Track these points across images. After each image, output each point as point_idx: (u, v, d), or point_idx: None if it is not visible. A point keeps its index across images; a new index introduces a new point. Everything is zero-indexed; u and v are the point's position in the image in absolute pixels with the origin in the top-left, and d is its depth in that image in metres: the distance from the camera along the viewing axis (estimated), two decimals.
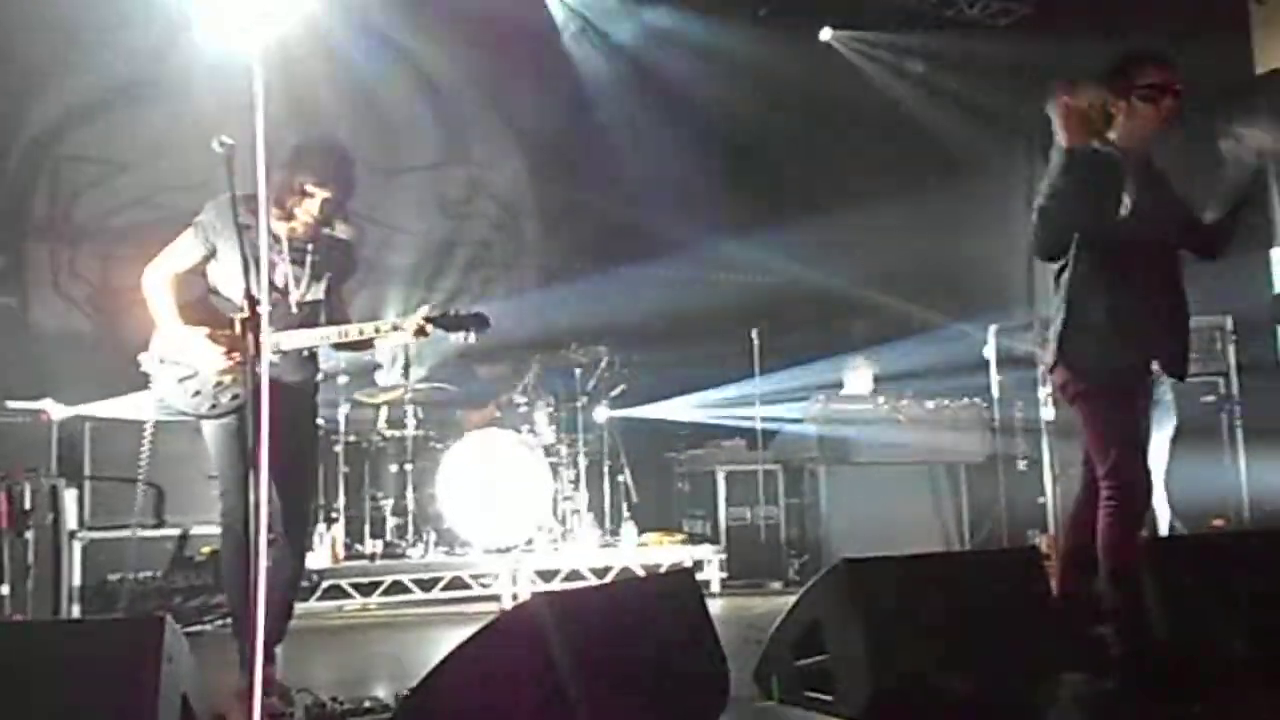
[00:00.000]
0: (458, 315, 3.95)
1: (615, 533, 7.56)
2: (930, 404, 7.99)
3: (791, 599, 3.67)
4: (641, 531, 7.57)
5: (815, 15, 9.15)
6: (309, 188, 3.86)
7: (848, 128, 9.30)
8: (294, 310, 3.94)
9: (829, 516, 7.51)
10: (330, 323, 3.99)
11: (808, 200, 8.96)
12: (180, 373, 3.81)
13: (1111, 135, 3.68)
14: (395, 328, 3.95)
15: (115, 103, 8.28)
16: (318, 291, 4.01)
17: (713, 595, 6.99)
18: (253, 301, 3.40)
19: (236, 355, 3.66)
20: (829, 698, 3.30)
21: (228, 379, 3.77)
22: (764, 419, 7.96)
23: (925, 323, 8.00)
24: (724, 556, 7.37)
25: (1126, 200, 3.55)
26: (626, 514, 7.66)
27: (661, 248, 8.65)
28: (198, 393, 3.78)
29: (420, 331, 3.92)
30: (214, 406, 3.75)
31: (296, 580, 4.10)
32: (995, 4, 8.75)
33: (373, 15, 8.27)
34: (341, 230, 4.06)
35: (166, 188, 8.22)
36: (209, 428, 3.79)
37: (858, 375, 8.21)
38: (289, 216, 3.91)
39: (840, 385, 8.22)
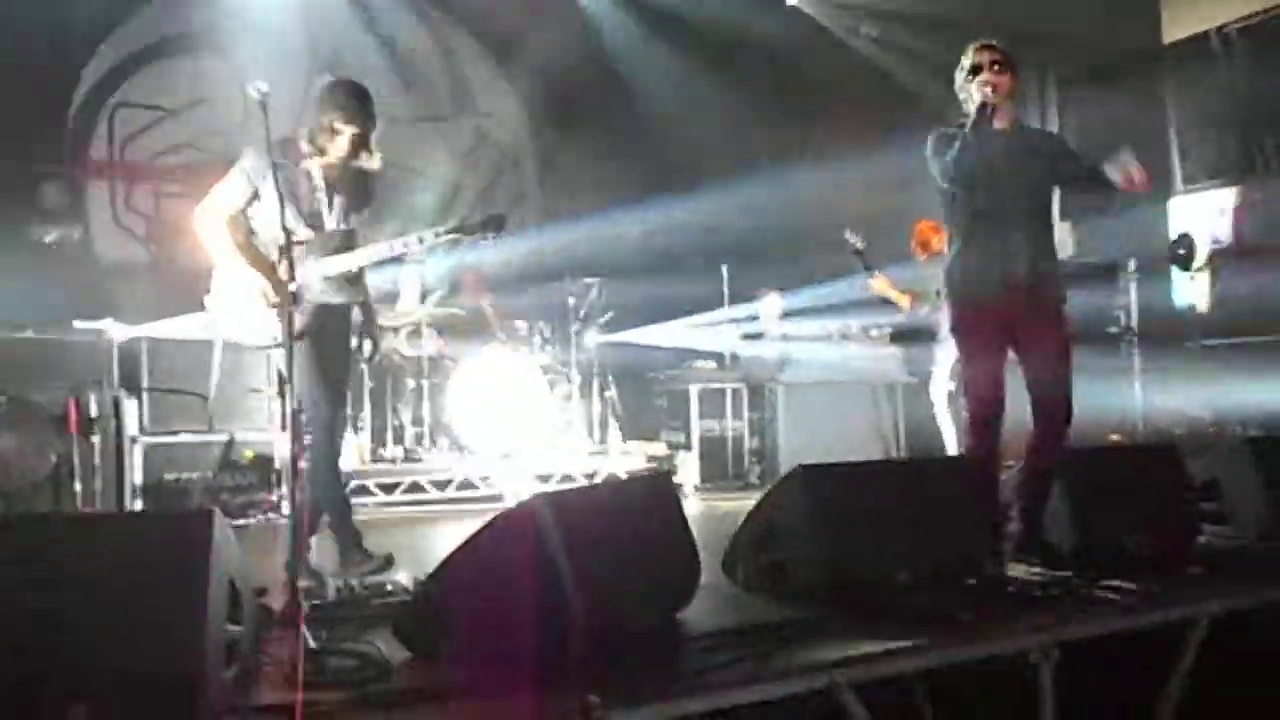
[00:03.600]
0: (478, 221, 3.92)
1: (603, 441, 7.57)
2: (875, 331, 7.99)
3: (754, 500, 3.68)
4: (625, 440, 7.59)
5: None
6: (338, 125, 3.78)
7: (817, 84, 9.15)
8: (331, 238, 3.88)
9: (785, 429, 7.53)
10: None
11: (781, 150, 8.83)
12: (241, 307, 3.74)
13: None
14: (421, 240, 3.90)
15: (162, 53, 8.10)
16: (353, 220, 3.96)
17: (687, 496, 7.02)
18: (288, 232, 3.36)
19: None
20: (786, 586, 3.32)
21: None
22: (731, 343, 7.97)
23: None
24: (697, 462, 7.41)
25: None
26: (613, 425, 7.66)
27: (647, 191, 8.56)
28: (261, 325, 3.71)
29: (451, 235, 3.90)
30: (276, 336, 3.67)
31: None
32: None
33: None
34: (367, 161, 3.98)
35: (210, 131, 8.08)
36: (278, 355, 3.74)
37: (767, 305, 8.19)
38: (322, 153, 3.84)
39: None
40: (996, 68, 3.74)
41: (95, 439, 5.28)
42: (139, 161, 8.11)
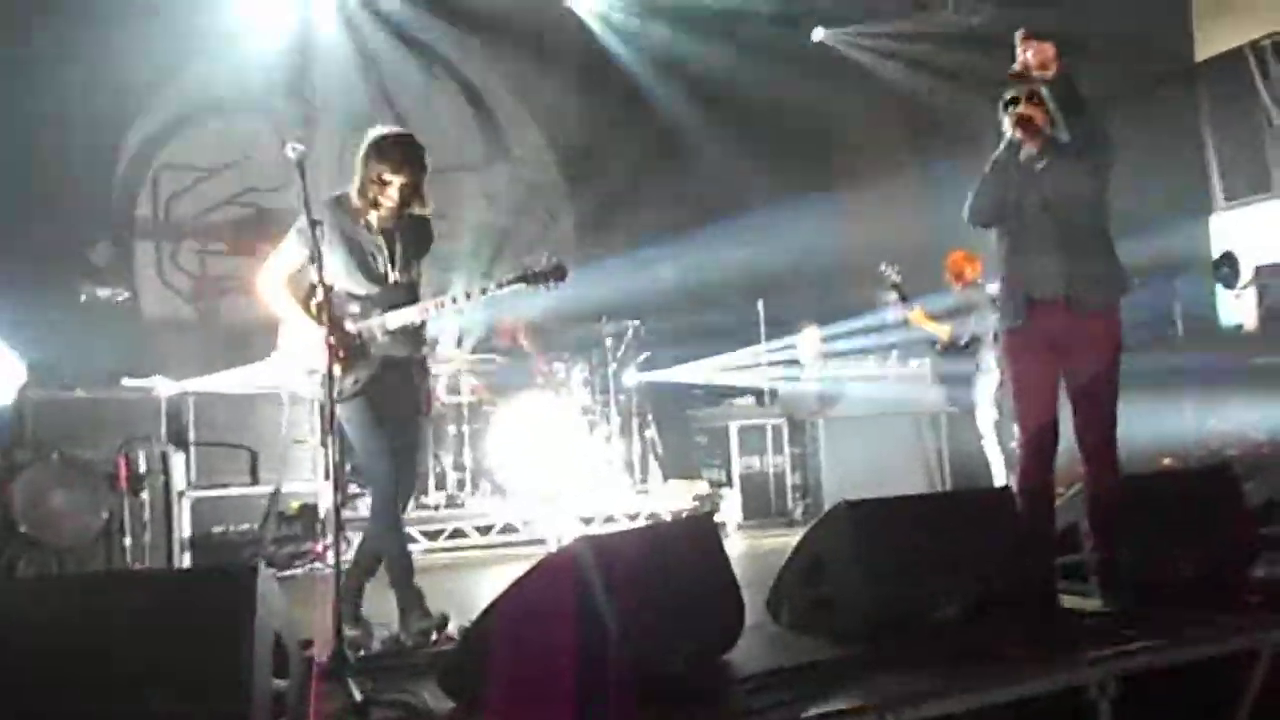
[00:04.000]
0: (540, 271, 3.89)
1: (644, 481, 7.55)
2: (914, 362, 7.94)
3: (798, 537, 3.65)
4: (666, 479, 7.56)
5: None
6: (386, 175, 3.78)
7: (849, 116, 9.17)
8: (395, 291, 3.87)
9: (827, 463, 7.46)
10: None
11: (815, 183, 8.83)
12: (307, 364, 3.76)
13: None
14: (485, 290, 3.88)
15: (204, 115, 8.29)
16: (415, 269, 3.95)
17: (729, 535, 6.97)
18: (327, 289, 3.41)
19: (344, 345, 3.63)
20: (832, 623, 3.28)
21: (348, 365, 3.70)
22: (770, 379, 7.94)
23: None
24: (739, 500, 7.36)
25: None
26: (654, 464, 7.65)
27: (681, 230, 8.59)
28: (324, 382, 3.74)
29: (516, 283, 3.86)
30: (340, 392, 3.64)
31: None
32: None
33: (418, 30, 8.23)
34: (420, 208, 3.96)
35: (251, 189, 8.26)
36: (341, 410, 3.69)
37: (806, 339, 8.16)
38: (374, 205, 3.86)
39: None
40: (1031, 100, 3.71)
41: (144, 494, 5.36)
42: (183, 221, 8.29)
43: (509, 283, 3.88)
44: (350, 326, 3.66)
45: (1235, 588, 3.67)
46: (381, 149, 3.82)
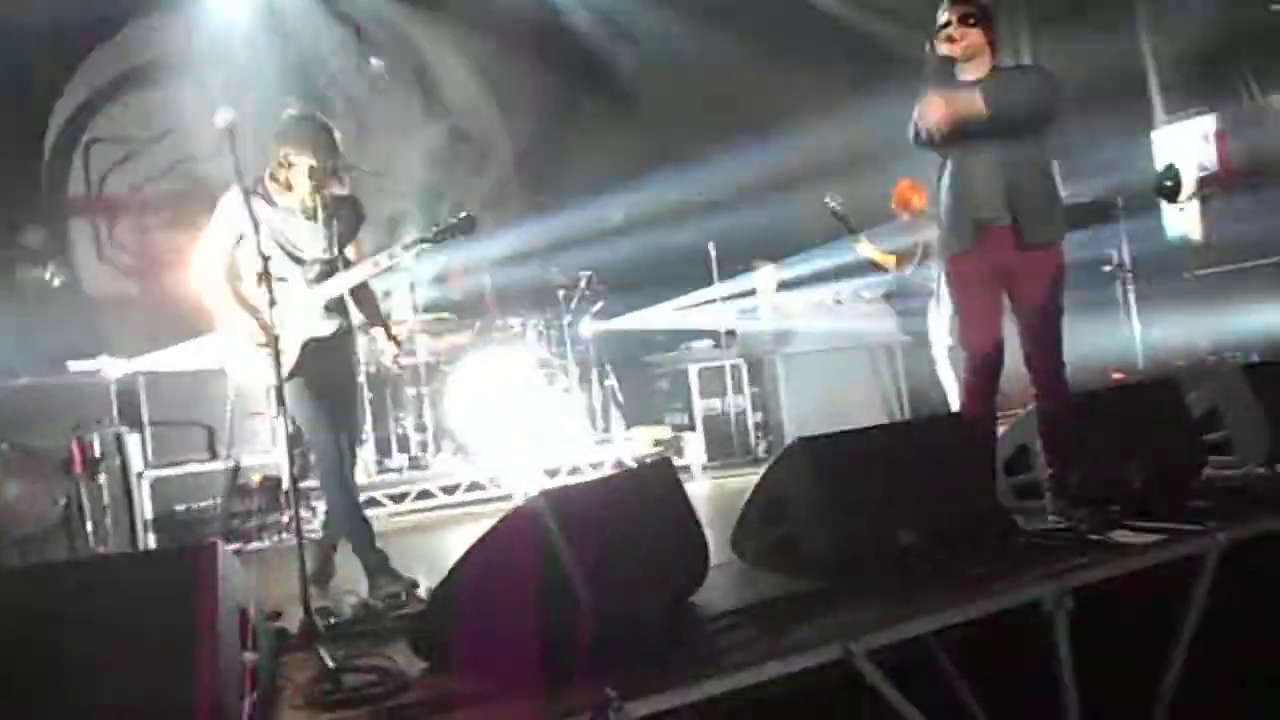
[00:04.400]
0: (449, 225, 4.00)
1: (607, 430, 7.59)
2: (868, 293, 8.00)
3: (760, 475, 3.70)
4: (629, 427, 7.60)
5: None
6: (291, 158, 3.80)
7: (792, 48, 9.10)
8: (310, 270, 3.89)
9: (787, 400, 7.54)
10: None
11: (759, 118, 8.79)
12: (242, 350, 3.84)
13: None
14: (392, 255, 3.94)
15: (132, 85, 8.08)
16: (331, 249, 3.96)
17: (694, 478, 7.04)
18: (265, 258, 3.37)
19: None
20: (796, 559, 3.34)
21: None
22: (726, 320, 7.98)
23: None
24: (702, 442, 7.43)
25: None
26: (615, 413, 7.68)
27: (628, 178, 8.54)
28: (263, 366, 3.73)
29: (424, 243, 3.95)
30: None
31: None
32: None
33: None
34: (338, 189, 4.00)
35: (186, 159, 8.08)
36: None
37: (762, 277, 8.20)
38: (288, 187, 3.85)
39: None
40: (964, 21, 3.72)
41: (102, 478, 5.31)
42: (118, 195, 8.10)
43: (416, 243, 3.92)
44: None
45: (1181, 496, 3.78)
46: (285, 131, 3.84)
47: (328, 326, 3.93)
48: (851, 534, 3.24)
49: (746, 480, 6.03)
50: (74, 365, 5.98)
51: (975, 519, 3.50)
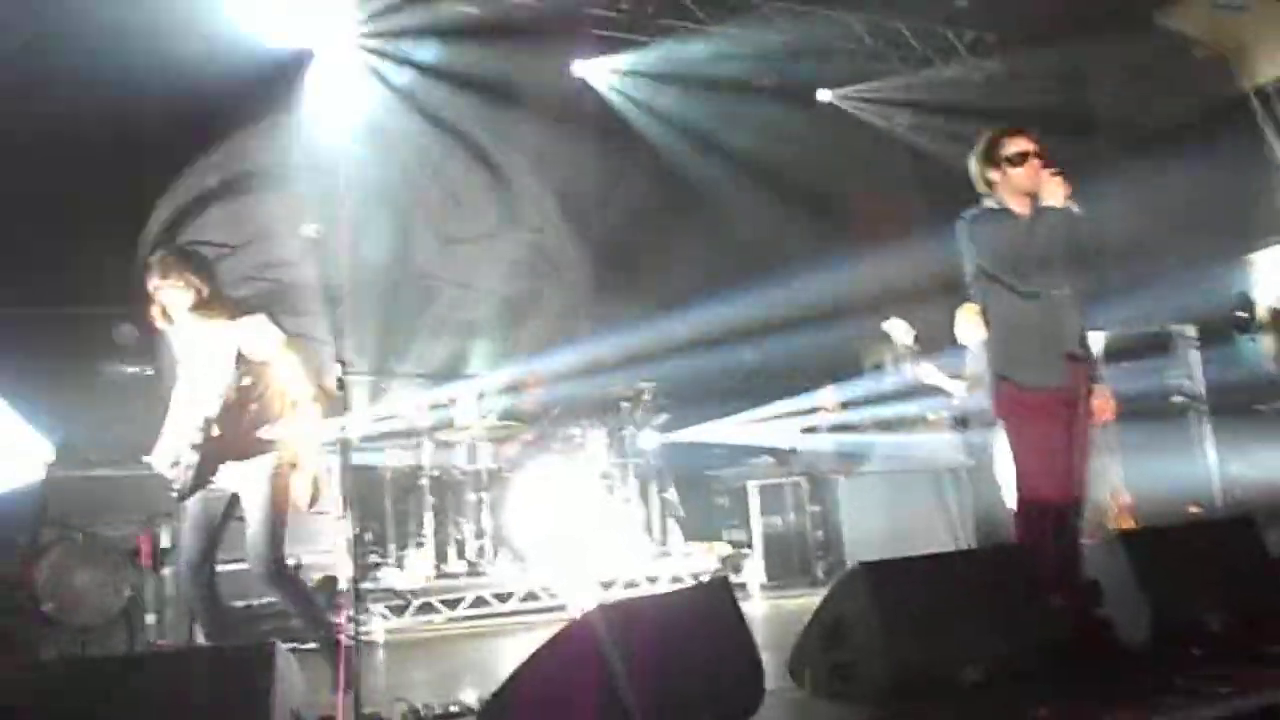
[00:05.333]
0: None
1: (664, 543, 7.52)
2: (931, 416, 7.91)
3: (821, 597, 3.63)
4: (687, 541, 7.52)
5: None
6: (150, 289, 3.95)
7: (858, 175, 9.27)
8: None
9: (849, 522, 7.41)
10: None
11: (826, 243, 8.89)
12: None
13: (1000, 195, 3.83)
14: None
15: (229, 191, 8.45)
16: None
17: (751, 596, 6.92)
18: (344, 364, 3.50)
19: None
20: (854, 688, 3.25)
21: None
22: (789, 437, 7.94)
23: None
24: (761, 561, 7.31)
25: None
26: (673, 526, 7.61)
27: (697, 293, 8.64)
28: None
29: None
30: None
31: None
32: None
33: (431, 102, 8.37)
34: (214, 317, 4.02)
35: (271, 265, 8.38)
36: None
37: (824, 398, 8.16)
38: (167, 319, 4.01)
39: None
40: (1040, 155, 3.75)
41: (166, 571, 5.38)
42: None
43: None
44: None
45: (1260, 639, 3.62)
46: (147, 268, 4.00)
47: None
48: (913, 664, 3.15)
49: (805, 602, 5.93)
50: (147, 459, 6.13)
51: (1041, 654, 3.38)
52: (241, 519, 4.08)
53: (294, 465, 3.99)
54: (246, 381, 3.95)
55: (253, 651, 2.44)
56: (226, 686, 2.37)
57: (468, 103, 8.37)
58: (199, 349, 4.03)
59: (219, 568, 5.71)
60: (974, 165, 3.91)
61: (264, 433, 3.97)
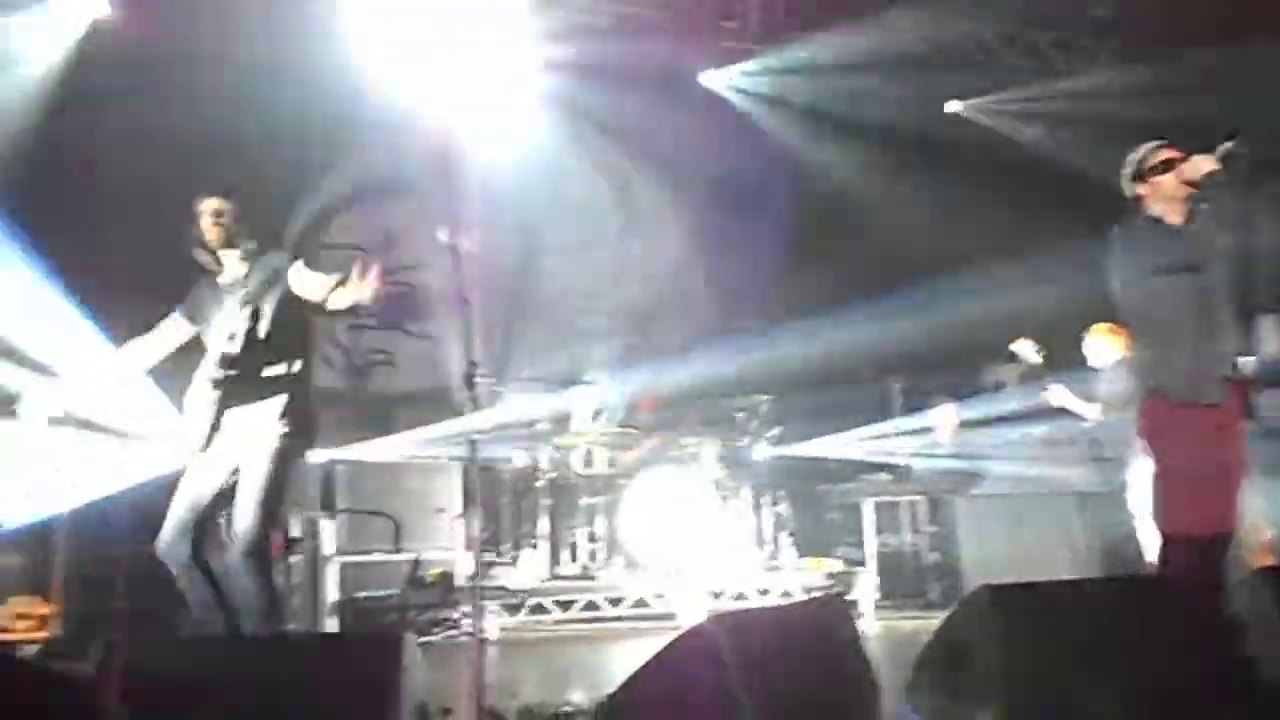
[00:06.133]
0: None
1: (776, 557, 7.44)
2: (1060, 438, 7.62)
3: (936, 619, 3.53)
4: (799, 556, 7.43)
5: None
6: (198, 207, 3.95)
7: (985, 188, 9.02)
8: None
9: (967, 543, 7.20)
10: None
11: (951, 258, 8.69)
12: None
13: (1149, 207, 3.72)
14: None
15: (365, 195, 8.75)
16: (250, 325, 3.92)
17: (863, 615, 6.79)
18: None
19: None
20: (975, 717, 3.14)
21: None
22: (905, 455, 7.77)
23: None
24: (875, 579, 7.17)
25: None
26: (786, 541, 7.53)
27: (816, 304, 8.55)
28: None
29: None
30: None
31: None
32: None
33: (560, 111, 8.47)
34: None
35: (402, 268, 8.64)
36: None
37: (942, 416, 7.93)
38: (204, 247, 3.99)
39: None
40: (1183, 162, 3.64)
41: (296, 559, 5.60)
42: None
43: None
44: None
45: None
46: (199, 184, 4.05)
47: None
48: (1037, 695, 3.03)
49: (919, 624, 5.80)
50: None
51: (1178, 694, 3.21)
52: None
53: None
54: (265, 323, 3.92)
55: (382, 641, 2.51)
56: (355, 674, 2.44)
57: (594, 110, 8.46)
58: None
59: (346, 559, 5.96)
60: (1122, 179, 3.80)
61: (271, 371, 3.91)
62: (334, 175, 8.53)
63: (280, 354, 3.92)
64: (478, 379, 3.77)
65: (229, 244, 4.00)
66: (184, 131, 6.93)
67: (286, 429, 3.86)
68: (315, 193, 8.51)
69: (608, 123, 8.59)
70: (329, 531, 5.92)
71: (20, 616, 5.03)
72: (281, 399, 3.88)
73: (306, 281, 3.94)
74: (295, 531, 5.64)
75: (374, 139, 8.00)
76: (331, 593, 5.81)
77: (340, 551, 5.95)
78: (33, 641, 5.04)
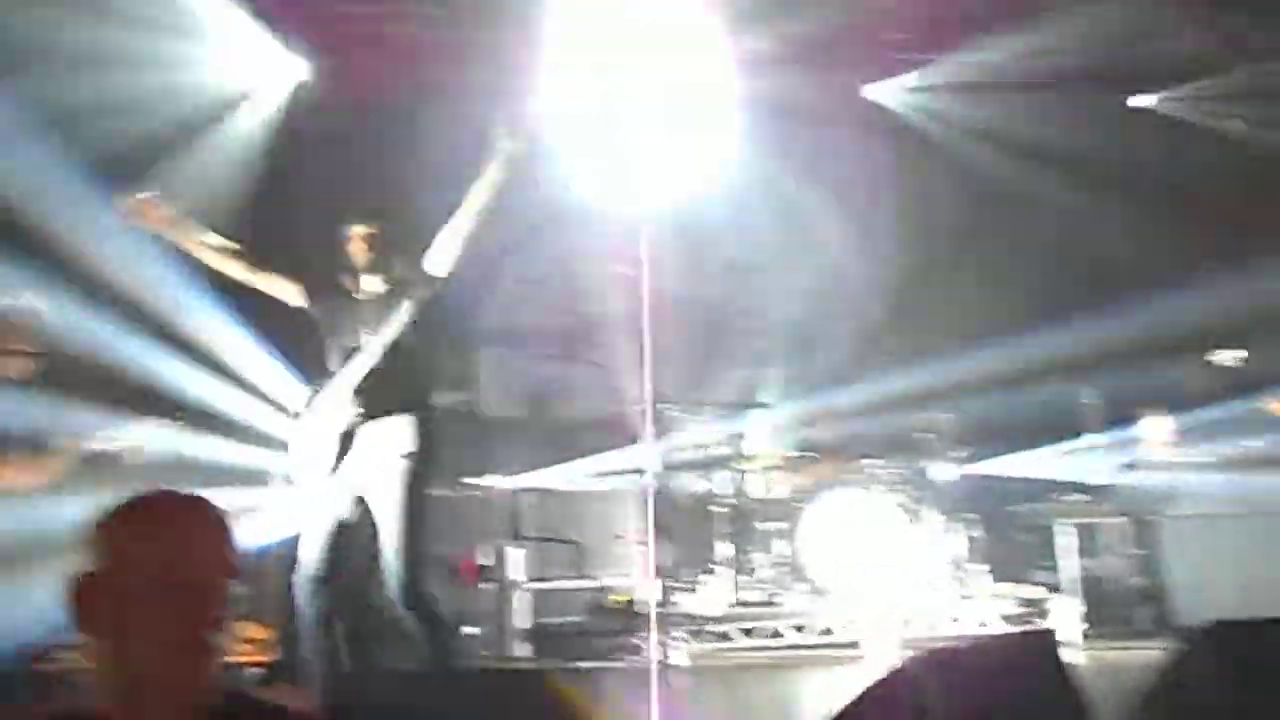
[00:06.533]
0: None
1: (967, 584, 7.12)
2: None
3: (1145, 649, 3.27)
4: (992, 582, 7.08)
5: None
6: (348, 231, 4.17)
7: (1183, 188, 8.44)
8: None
9: (1178, 569, 6.67)
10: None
11: (1152, 263, 8.15)
12: None
13: None
14: None
15: (540, 230, 8.99)
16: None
17: (1065, 644, 6.38)
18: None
19: None
20: None
21: None
22: (1107, 473, 7.29)
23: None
24: (1075, 606, 6.74)
25: None
26: (978, 566, 7.19)
27: (1001, 321, 8.18)
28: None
29: None
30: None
31: None
32: None
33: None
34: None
35: (580, 298, 8.81)
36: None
37: (1149, 429, 7.36)
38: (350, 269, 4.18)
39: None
40: None
41: (486, 587, 5.75)
42: (519, 328, 8.97)
43: None
44: None
45: None
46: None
47: None
48: None
49: (1126, 655, 5.41)
50: (467, 481, 6.60)
51: None
52: (372, 528, 3.97)
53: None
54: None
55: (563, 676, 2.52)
56: (545, 706, 2.44)
57: (765, 130, 8.36)
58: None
59: (537, 585, 6.07)
60: None
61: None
62: (506, 209, 8.77)
63: (410, 376, 4.05)
64: (654, 406, 3.79)
65: (374, 268, 4.16)
66: (375, 178, 7.33)
67: (414, 450, 3.95)
68: (495, 228, 8.77)
69: (779, 142, 8.50)
70: (516, 559, 6.05)
71: (244, 640, 5.34)
72: (411, 419, 3.99)
73: None
74: (484, 560, 5.79)
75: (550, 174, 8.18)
76: (520, 620, 5.92)
77: (527, 579, 6.07)
78: (255, 665, 5.34)
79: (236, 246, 4.27)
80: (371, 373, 3.99)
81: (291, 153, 7.44)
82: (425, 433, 4.05)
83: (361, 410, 3.96)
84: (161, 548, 1.41)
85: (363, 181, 7.24)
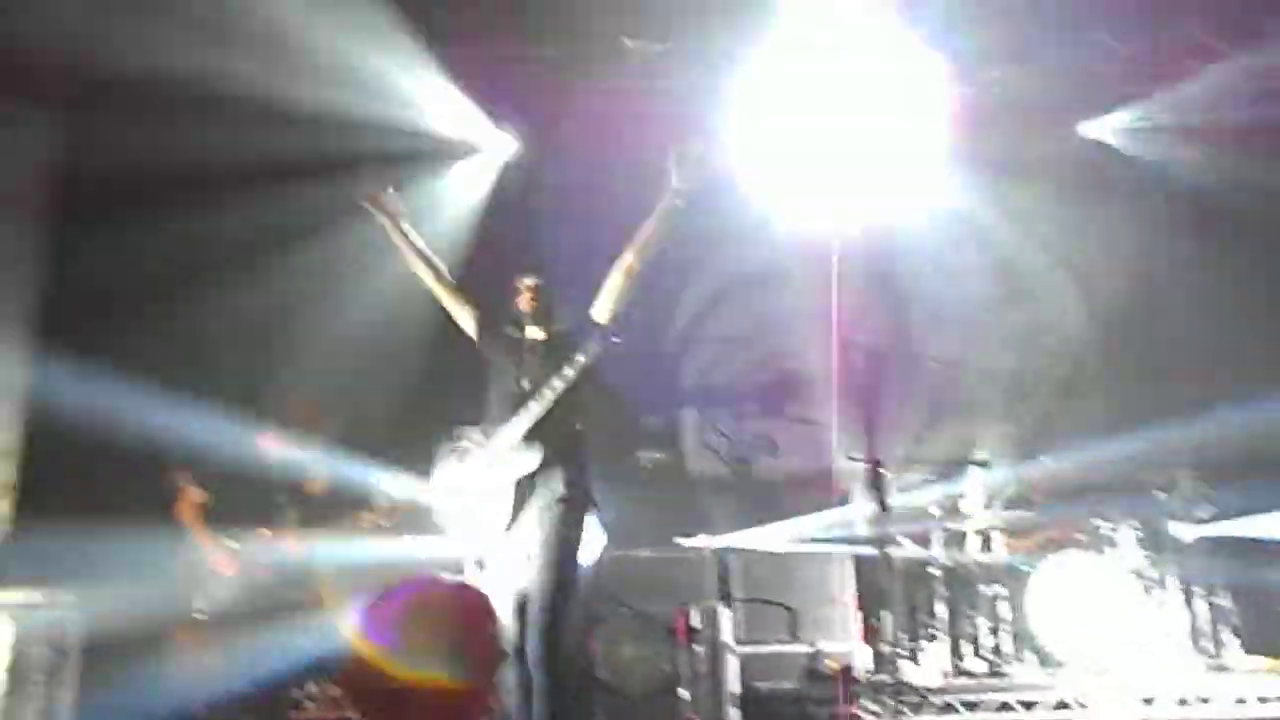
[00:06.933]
0: None
1: (1218, 655, 6.51)
2: None
3: None
4: (1247, 654, 6.44)
5: None
6: (518, 284, 4.35)
7: None
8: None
9: None
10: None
11: None
12: None
13: None
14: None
15: (733, 291, 9.03)
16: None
17: None
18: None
19: None
20: None
21: None
22: None
23: None
24: None
25: None
26: (1228, 635, 6.57)
27: (1226, 364, 7.55)
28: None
29: None
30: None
31: None
32: None
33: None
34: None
35: (775, 354, 8.77)
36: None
37: None
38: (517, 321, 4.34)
39: None
40: None
41: (698, 648, 5.73)
42: (719, 386, 9.02)
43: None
44: None
45: None
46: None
47: None
48: None
49: None
50: (680, 540, 6.63)
51: None
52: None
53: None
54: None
55: None
56: None
57: (974, 177, 8.11)
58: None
59: (745, 649, 6.00)
60: None
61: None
62: (708, 274, 8.88)
63: (568, 426, 4.15)
64: (867, 464, 3.68)
65: (540, 318, 4.33)
66: (568, 244, 7.61)
67: (566, 500, 4.02)
68: (686, 295, 8.91)
69: (991, 187, 8.22)
70: (726, 620, 6.00)
71: None
72: (565, 472, 4.08)
73: None
74: (696, 620, 5.77)
75: (747, 232, 8.22)
76: (732, 684, 5.85)
77: (740, 641, 6.00)
78: None
79: (438, 261, 4.56)
80: (537, 423, 4.09)
81: (493, 214, 8.05)
82: (577, 484, 4.12)
83: (526, 460, 4.07)
84: (439, 641, 1.48)
85: (555, 244, 7.54)
